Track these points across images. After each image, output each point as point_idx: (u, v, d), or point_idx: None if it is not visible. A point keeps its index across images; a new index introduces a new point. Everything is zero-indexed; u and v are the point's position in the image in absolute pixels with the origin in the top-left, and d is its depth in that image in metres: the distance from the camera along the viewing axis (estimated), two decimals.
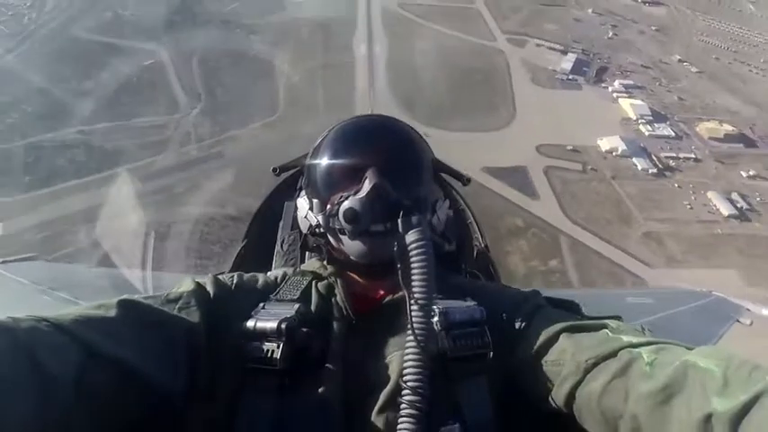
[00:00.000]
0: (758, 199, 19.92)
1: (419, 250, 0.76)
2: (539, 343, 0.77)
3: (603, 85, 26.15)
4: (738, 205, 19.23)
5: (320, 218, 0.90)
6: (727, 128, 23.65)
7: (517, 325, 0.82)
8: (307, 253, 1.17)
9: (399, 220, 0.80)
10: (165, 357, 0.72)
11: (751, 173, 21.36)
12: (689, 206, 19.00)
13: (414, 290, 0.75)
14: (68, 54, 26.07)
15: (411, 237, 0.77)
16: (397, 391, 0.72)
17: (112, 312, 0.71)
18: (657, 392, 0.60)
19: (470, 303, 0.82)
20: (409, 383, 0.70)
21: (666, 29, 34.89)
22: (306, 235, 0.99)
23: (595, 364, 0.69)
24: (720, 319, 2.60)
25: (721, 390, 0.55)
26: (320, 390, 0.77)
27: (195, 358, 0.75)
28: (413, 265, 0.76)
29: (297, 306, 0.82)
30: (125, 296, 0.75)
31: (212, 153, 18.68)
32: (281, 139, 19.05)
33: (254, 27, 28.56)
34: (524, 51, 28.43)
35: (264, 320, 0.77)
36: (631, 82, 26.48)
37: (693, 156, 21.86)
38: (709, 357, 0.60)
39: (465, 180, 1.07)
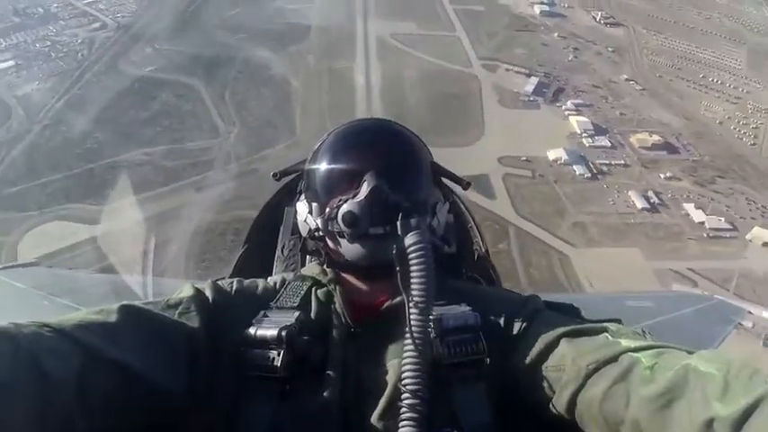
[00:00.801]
0: (669, 195, 25.67)
1: (418, 253, 0.75)
2: (538, 348, 0.76)
3: (558, 104, 31.79)
4: (652, 201, 24.97)
5: (319, 221, 0.90)
6: (655, 138, 29.34)
7: (516, 329, 0.82)
8: (307, 257, 1.17)
9: (398, 223, 0.80)
10: (166, 362, 0.73)
11: (668, 174, 27.09)
12: (612, 202, 24.75)
13: (413, 293, 0.74)
14: (121, 87, 31.86)
15: (410, 239, 0.77)
16: (396, 396, 0.73)
17: (113, 317, 0.72)
18: (658, 397, 0.59)
19: (465, 309, 0.82)
20: (408, 387, 0.71)
21: (621, 49, 40.48)
22: (305, 239, 1.00)
23: (596, 369, 0.69)
24: (722, 322, 2.58)
25: (722, 394, 0.54)
26: (320, 397, 0.77)
27: (195, 363, 0.76)
28: (412, 268, 0.75)
29: (297, 314, 0.83)
30: (126, 302, 0.76)
31: (250, 169, 24.54)
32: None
33: (272, 62, 34.38)
34: (495, 76, 34.15)
35: (265, 328, 0.79)
36: (581, 101, 32.10)
37: (623, 162, 27.55)
38: (709, 361, 0.59)
39: (465, 184, 1.06)
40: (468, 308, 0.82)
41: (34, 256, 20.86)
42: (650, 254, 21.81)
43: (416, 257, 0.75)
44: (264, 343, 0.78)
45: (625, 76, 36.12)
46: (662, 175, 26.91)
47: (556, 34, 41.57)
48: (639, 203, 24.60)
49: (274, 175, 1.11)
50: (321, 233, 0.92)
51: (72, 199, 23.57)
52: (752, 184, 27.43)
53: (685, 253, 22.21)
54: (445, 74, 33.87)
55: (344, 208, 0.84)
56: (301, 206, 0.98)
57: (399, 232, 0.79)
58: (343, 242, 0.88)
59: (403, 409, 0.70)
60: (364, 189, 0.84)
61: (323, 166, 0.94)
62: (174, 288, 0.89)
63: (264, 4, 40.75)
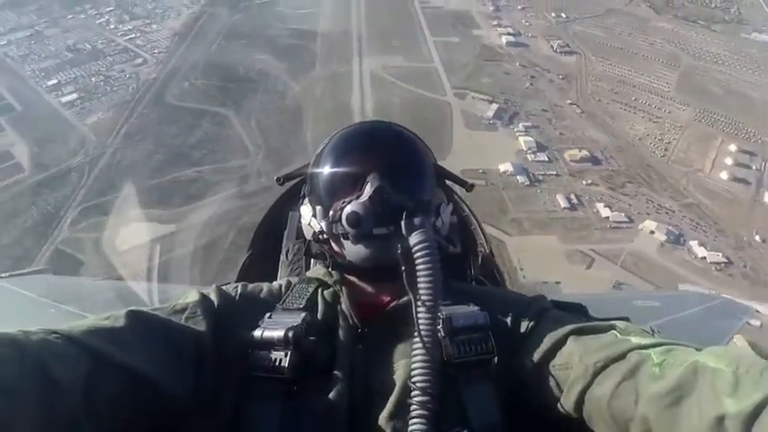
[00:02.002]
0: (587, 198, 34.36)
1: (424, 251, 0.76)
2: (546, 347, 0.77)
3: (512, 126, 40.37)
4: (572, 201, 33.59)
5: (323, 224, 0.92)
6: (584, 153, 38.00)
7: (523, 329, 0.84)
8: (312, 260, 1.19)
9: (402, 222, 0.80)
10: (173, 366, 0.75)
11: (589, 181, 35.82)
12: (543, 203, 33.30)
13: (420, 291, 0.75)
14: (169, 116, 40.31)
15: (415, 238, 0.78)
16: (405, 396, 0.74)
17: (121, 322, 0.73)
18: (667, 394, 0.59)
19: (474, 308, 0.83)
20: (418, 384, 0.71)
21: (570, 76, 49.06)
22: (310, 242, 1.02)
23: (604, 367, 0.70)
24: (729, 320, 2.60)
25: (732, 390, 0.53)
26: (326, 397, 0.78)
27: (202, 367, 0.78)
28: (418, 267, 0.76)
29: (303, 315, 0.84)
30: (133, 307, 0.78)
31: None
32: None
33: (286, 92, 43.03)
34: (464, 103, 42.75)
35: (271, 329, 0.80)
36: (530, 123, 40.58)
37: (556, 172, 36.19)
38: (719, 357, 0.58)
39: (468, 186, 1.10)
40: (476, 308, 0.84)
41: (123, 248, 29.38)
42: (564, 239, 30.59)
43: (422, 256, 0.76)
44: (271, 344, 0.79)
45: (569, 101, 44.70)
46: (584, 182, 35.63)
47: (518, 63, 50.04)
48: (563, 203, 33.29)
49: (278, 179, 1.14)
50: (325, 236, 0.94)
51: (146, 206, 32.12)
52: (654, 187, 36.25)
53: (590, 239, 30.96)
54: (424, 101, 42.52)
55: (348, 209, 0.86)
56: (305, 209, 1.02)
57: (404, 232, 0.80)
58: (348, 244, 0.90)
59: (413, 407, 0.71)
60: (368, 190, 0.86)
61: (326, 169, 0.95)
62: (179, 294, 0.91)
63: (276, 43, 49.44)
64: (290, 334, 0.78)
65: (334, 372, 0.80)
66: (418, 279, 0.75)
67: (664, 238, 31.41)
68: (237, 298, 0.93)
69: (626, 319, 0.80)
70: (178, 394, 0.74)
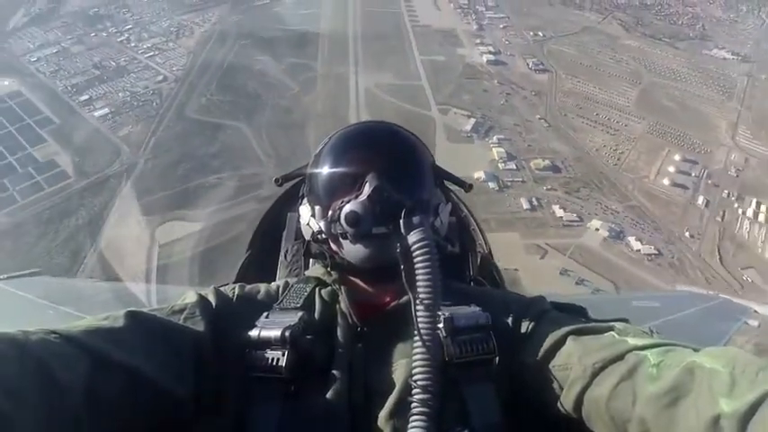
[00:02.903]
0: (545, 201, 40.91)
1: (422, 250, 0.77)
2: (545, 347, 0.79)
3: (487, 139, 46.74)
4: (533, 204, 40.14)
5: (322, 224, 0.94)
6: (546, 162, 44.46)
7: (523, 330, 0.86)
8: (311, 261, 1.20)
9: (401, 221, 0.82)
10: (173, 366, 0.76)
11: (549, 187, 42.37)
12: (509, 205, 39.73)
13: (419, 290, 0.76)
14: (190, 129, 46.43)
15: (414, 237, 0.79)
16: (405, 395, 0.75)
17: (120, 322, 0.74)
18: (664, 394, 0.60)
19: (475, 309, 0.85)
20: (419, 382, 0.72)
21: (541, 93, 55.40)
22: (308, 242, 1.03)
23: (602, 368, 0.71)
24: (727, 320, 2.69)
25: (728, 390, 0.54)
26: (325, 397, 0.79)
27: (201, 367, 0.79)
28: (417, 265, 0.77)
29: (300, 314, 0.85)
30: (132, 308, 0.79)
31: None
32: None
33: (292, 106, 49.32)
34: (446, 118, 49.07)
35: (268, 329, 0.81)
36: (503, 136, 46.94)
37: (522, 179, 42.69)
38: (715, 358, 0.60)
39: (467, 187, 1.11)
40: (477, 308, 0.86)
41: (162, 242, 35.50)
42: (524, 235, 37.16)
43: (421, 254, 0.77)
44: (268, 344, 0.80)
45: (538, 116, 50.92)
46: (545, 187, 42.15)
47: (496, 81, 56.05)
48: (525, 206, 39.74)
49: (276, 180, 1.15)
50: (324, 235, 0.95)
51: (178, 207, 38.42)
52: (604, 192, 42.86)
53: (545, 234, 37.53)
54: (411, 116, 48.61)
55: (347, 208, 0.88)
56: (304, 210, 1.03)
57: (402, 230, 0.82)
58: (346, 243, 0.91)
59: (414, 404, 0.72)
60: (366, 189, 0.87)
61: (325, 169, 0.97)
62: (176, 295, 0.92)
63: (283, 59, 55.76)
64: (287, 333, 0.79)
65: (333, 371, 0.82)
66: (417, 277, 0.76)
67: (607, 234, 38.09)
68: (235, 299, 0.96)
69: (625, 320, 0.82)
70: (178, 394, 0.76)
